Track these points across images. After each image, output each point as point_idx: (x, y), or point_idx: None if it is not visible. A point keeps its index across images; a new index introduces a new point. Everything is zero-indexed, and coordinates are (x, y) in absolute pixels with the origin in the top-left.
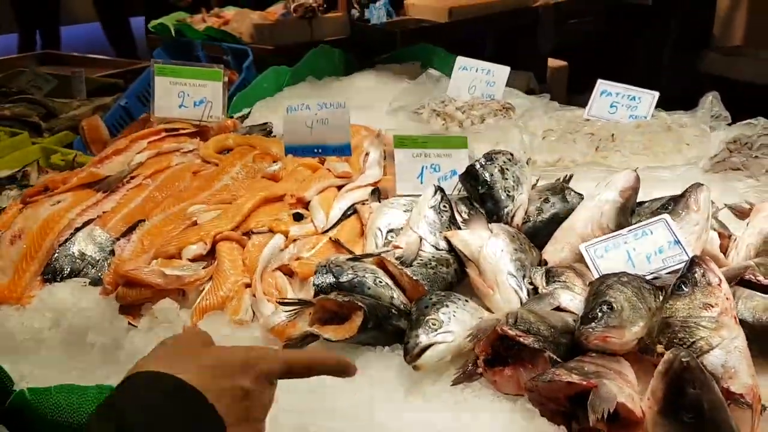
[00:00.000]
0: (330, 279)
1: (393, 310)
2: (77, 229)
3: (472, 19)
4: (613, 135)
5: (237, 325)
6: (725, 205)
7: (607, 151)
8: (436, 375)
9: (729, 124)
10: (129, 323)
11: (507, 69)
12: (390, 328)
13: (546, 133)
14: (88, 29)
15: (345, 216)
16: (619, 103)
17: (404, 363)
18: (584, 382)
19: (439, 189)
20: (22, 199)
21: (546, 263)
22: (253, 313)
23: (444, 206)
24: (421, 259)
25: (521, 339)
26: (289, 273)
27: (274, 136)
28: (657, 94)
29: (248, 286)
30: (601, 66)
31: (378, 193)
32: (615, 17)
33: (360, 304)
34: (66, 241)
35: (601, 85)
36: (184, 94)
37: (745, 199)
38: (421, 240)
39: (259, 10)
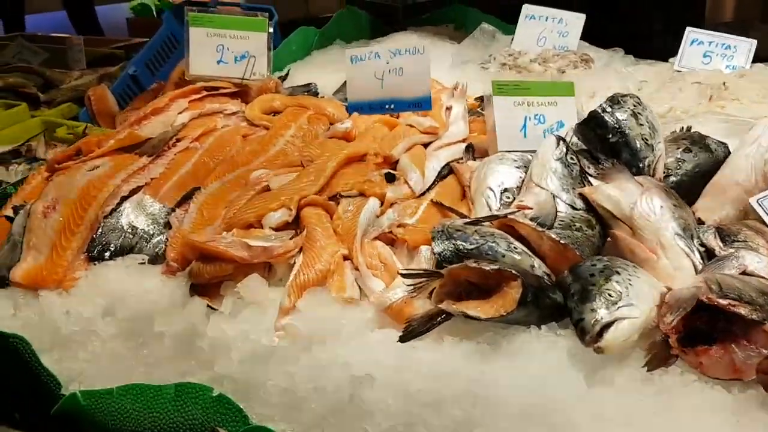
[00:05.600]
0: (454, 246)
1: (545, 281)
2: (123, 198)
3: None
4: (724, 83)
5: (346, 303)
6: None
7: (723, 100)
8: (618, 359)
9: None
10: (208, 306)
11: (582, 17)
12: (547, 301)
13: (641, 84)
14: (52, 18)
15: (439, 176)
16: (713, 52)
17: (573, 345)
18: None
19: (562, 139)
20: (49, 166)
21: (702, 222)
22: (359, 289)
23: (571, 158)
24: (562, 221)
25: (736, 309)
26: (389, 242)
27: (322, 98)
28: (755, 42)
29: (345, 258)
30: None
31: (472, 150)
32: None
33: (514, 272)
34: (112, 212)
35: (691, 33)
36: (223, 47)
37: None
38: (554, 198)
39: None
